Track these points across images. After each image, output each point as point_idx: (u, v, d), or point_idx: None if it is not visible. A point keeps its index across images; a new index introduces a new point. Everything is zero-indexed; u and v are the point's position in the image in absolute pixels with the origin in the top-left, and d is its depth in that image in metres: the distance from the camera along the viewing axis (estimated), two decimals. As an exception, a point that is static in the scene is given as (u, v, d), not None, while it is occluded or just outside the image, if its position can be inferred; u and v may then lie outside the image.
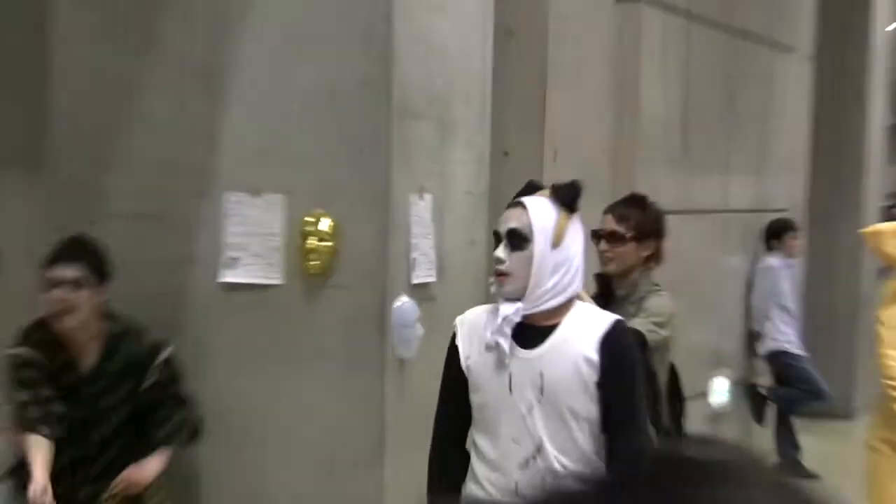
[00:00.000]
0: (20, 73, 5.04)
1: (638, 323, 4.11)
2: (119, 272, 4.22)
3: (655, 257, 4.45)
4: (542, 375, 3.19)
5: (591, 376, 3.15)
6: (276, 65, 4.42)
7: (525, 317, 3.20)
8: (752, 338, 8.39)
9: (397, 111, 4.32)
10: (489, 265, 3.64)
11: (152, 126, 4.55)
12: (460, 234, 4.81)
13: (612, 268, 4.38)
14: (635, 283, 4.38)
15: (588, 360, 3.14)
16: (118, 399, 4.13)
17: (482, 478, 3.30)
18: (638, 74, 6.73)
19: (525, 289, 3.19)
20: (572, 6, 5.94)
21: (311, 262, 4.37)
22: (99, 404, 4.12)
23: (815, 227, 9.47)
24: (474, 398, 3.32)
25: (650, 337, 4.16)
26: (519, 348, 3.23)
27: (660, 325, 4.28)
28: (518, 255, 3.23)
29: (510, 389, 3.24)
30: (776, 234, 8.36)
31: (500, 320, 3.22)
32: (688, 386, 4.74)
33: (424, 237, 4.54)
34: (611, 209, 4.50)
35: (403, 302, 4.38)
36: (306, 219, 4.36)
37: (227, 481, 4.51)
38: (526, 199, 3.25)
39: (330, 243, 4.34)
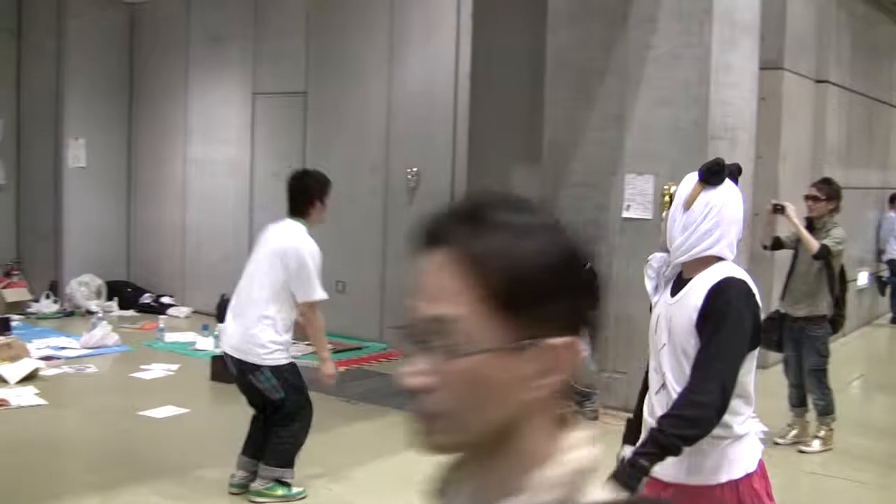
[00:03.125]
0: (526, 104, 9.81)
1: (826, 241, 7.95)
2: (572, 216, 8.83)
3: (835, 210, 8.26)
4: (670, 320, 3.43)
5: (695, 321, 3.33)
6: (657, 109, 8.83)
7: (680, 267, 3.51)
8: (880, 252, 15.20)
9: (709, 135, 8.60)
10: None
11: (594, 130, 9.12)
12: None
13: (813, 214, 8.20)
14: (825, 222, 8.16)
15: (696, 308, 3.32)
16: None
17: (649, 396, 3.61)
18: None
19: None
20: None
21: (666, 208, 8.65)
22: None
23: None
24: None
25: (833, 249, 7.96)
26: (667, 294, 3.53)
27: (837, 243, 8.04)
28: (666, 213, 3.76)
29: (655, 328, 3.56)
30: (892, 199, 15.13)
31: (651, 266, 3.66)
32: (849, 275, 9.06)
33: None
34: (814, 184, 8.51)
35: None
36: (664, 187, 8.60)
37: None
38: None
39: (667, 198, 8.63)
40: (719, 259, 3.41)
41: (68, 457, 7.71)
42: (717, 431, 3.26)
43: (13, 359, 9.55)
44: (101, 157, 14.07)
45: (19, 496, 6.47)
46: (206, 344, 11.18)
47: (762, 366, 10.41)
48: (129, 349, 11.10)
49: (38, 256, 13.98)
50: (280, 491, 6.44)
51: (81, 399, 9.24)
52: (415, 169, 11.46)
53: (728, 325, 3.27)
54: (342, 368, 10.13)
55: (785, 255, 8.73)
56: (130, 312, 13.44)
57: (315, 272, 6.30)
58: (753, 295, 3.39)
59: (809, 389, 8.19)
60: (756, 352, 3.41)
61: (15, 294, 13.17)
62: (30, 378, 9.32)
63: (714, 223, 3.39)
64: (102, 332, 11.09)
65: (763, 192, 10.00)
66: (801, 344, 8.13)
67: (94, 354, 10.72)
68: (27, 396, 8.75)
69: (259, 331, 6.27)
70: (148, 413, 8.44)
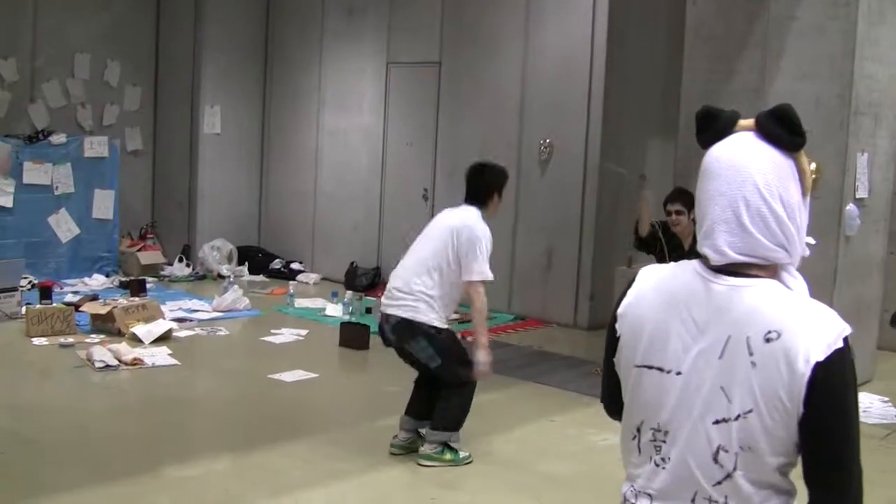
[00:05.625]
0: (662, 75, 9.68)
1: None
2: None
3: None
4: None
5: None
6: (799, 83, 8.64)
7: None
8: None
9: (852, 111, 8.37)
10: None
11: (732, 103, 8.98)
12: (880, 175, 8.99)
13: None
14: None
15: None
16: None
17: None
18: None
19: None
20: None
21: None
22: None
23: None
24: None
25: None
26: None
27: None
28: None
29: None
30: None
31: None
32: None
33: (862, 174, 8.61)
34: None
35: (850, 206, 8.44)
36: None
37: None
38: None
39: (816, 176, 8.42)
40: None
41: (201, 416, 7.86)
42: None
43: (148, 320, 9.76)
44: (235, 125, 14.27)
45: (152, 452, 6.60)
46: (335, 310, 11.29)
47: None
48: (260, 313, 11.25)
49: (172, 221, 14.27)
50: (448, 455, 6.52)
51: (213, 361, 9.41)
52: (547, 140, 11.38)
53: None
54: (469, 338, 10.17)
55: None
56: (260, 277, 13.63)
57: (485, 254, 6.34)
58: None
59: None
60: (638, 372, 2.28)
61: (149, 257, 13.44)
62: (163, 339, 9.50)
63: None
64: (234, 296, 11.27)
65: (906, 172, 9.72)
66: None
67: (226, 318, 10.90)
68: (161, 356, 8.93)
69: (420, 302, 6.35)
70: (277, 377, 8.54)
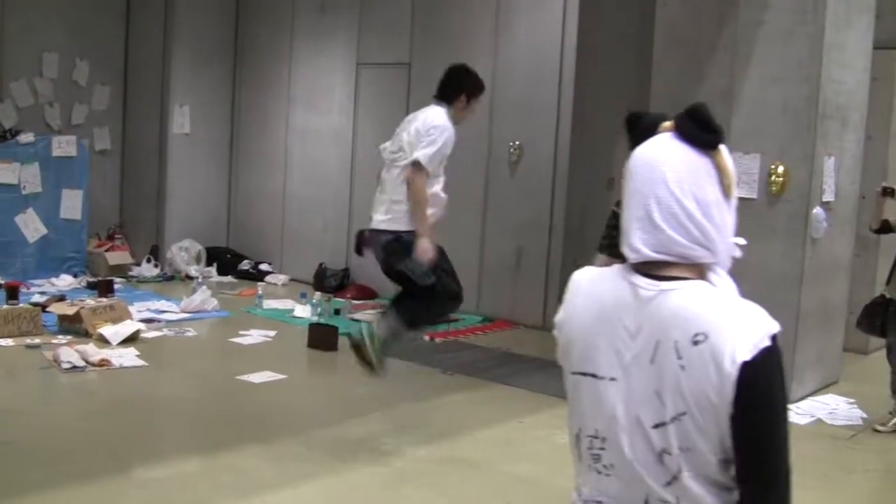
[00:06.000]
0: (632, 78, 9.73)
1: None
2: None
3: None
4: None
5: None
6: (767, 87, 8.70)
7: None
8: None
9: (819, 114, 8.37)
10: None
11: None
12: (847, 178, 9.04)
13: None
14: None
15: None
16: None
17: None
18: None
19: None
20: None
21: (773, 188, 8.42)
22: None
23: None
24: None
25: None
26: None
27: None
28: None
29: None
30: None
31: None
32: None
33: (829, 178, 8.62)
34: None
35: (817, 210, 8.44)
36: (771, 167, 8.40)
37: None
38: None
39: (783, 179, 8.36)
40: None
41: (169, 417, 7.83)
42: None
43: (115, 320, 9.71)
44: (204, 125, 14.23)
45: (119, 454, 6.57)
46: (303, 312, 11.27)
47: (863, 351, 10.35)
48: (228, 314, 11.22)
49: (141, 221, 14.21)
50: (378, 348, 6.63)
51: (181, 362, 9.37)
52: (517, 142, 11.41)
53: None
54: (438, 340, 10.19)
55: (892, 240, 8.56)
56: (229, 278, 13.60)
57: (437, 145, 6.49)
58: None
59: (913, 377, 8.02)
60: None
61: (117, 257, 13.38)
62: (131, 340, 9.46)
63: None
64: (202, 297, 11.24)
65: (872, 175, 9.82)
66: (907, 330, 7.96)
67: (194, 319, 10.86)
68: (129, 357, 8.89)
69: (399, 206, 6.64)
70: (246, 378, 8.52)
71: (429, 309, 6.75)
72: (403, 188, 6.70)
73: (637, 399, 2.12)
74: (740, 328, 2.02)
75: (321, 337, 9.74)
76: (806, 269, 8.46)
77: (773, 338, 2.05)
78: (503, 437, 7.38)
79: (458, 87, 6.76)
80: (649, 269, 2.14)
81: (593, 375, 2.19)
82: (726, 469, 2.10)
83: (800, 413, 8.29)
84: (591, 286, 2.27)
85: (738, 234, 7.50)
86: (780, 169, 8.42)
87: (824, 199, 8.56)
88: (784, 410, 2.10)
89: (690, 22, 8.93)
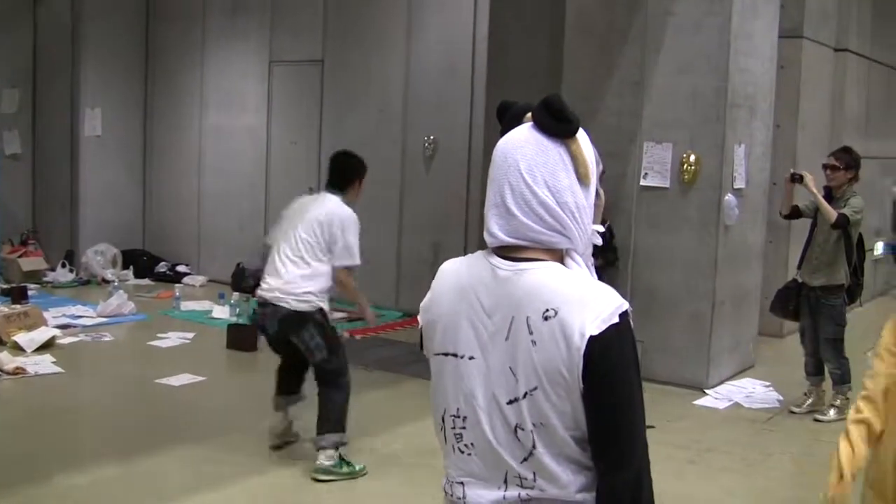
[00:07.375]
0: (544, 70, 9.76)
1: (845, 210, 7.85)
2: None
3: (854, 179, 8.11)
4: None
5: None
6: (677, 77, 8.78)
7: None
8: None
9: (728, 103, 8.53)
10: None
11: (613, 97, 9.04)
12: (757, 165, 9.18)
13: (832, 184, 8.09)
14: (843, 191, 8.05)
15: None
16: None
17: None
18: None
19: None
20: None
21: (685, 177, 8.56)
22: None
23: None
24: None
25: (852, 218, 7.87)
26: None
27: (856, 212, 7.93)
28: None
29: None
30: None
31: None
32: (867, 244, 9.01)
33: (739, 165, 8.77)
34: (833, 153, 8.35)
35: (729, 197, 8.58)
36: (682, 156, 8.54)
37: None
38: None
39: (695, 167, 8.50)
40: None
41: (86, 424, 7.73)
42: None
43: (30, 327, 9.56)
44: (116, 127, 14.05)
45: (38, 463, 6.48)
46: (222, 312, 11.20)
47: (778, 335, 10.52)
48: (146, 318, 11.11)
49: (54, 225, 13.99)
50: (346, 469, 6.42)
51: (98, 367, 9.26)
52: (432, 137, 11.42)
53: None
54: (358, 337, 10.17)
55: (803, 225, 8.67)
56: (146, 281, 13.45)
57: (355, 238, 6.46)
58: None
59: (826, 358, 8.15)
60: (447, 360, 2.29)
61: (31, 263, 13.18)
62: (47, 346, 9.33)
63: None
64: (119, 301, 11.10)
65: (782, 161, 9.99)
66: (818, 313, 8.09)
67: (111, 323, 10.73)
68: (44, 364, 8.76)
69: (299, 288, 6.42)
70: (165, 381, 8.45)
71: (343, 397, 6.59)
72: (319, 279, 6.53)
73: (494, 376, 2.13)
74: (589, 304, 2.04)
75: (240, 337, 9.68)
76: (720, 256, 8.58)
77: (623, 315, 2.06)
78: (425, 432, 7.35)
79: (352, 175, 6.71)
80: (508, 252, 2.17)
81: (454, 355, 2.21)
82: (585, 448, 2.10)
83: (717, 397, 8.40)
84: (455, 270, 2.31)
85: (653, 222, 7.57)
86: (692, 158, 8.53)
87: (735, 187, 8.68)
88: (638, 389, 2.10)
89: (600, 13, 9.01)
